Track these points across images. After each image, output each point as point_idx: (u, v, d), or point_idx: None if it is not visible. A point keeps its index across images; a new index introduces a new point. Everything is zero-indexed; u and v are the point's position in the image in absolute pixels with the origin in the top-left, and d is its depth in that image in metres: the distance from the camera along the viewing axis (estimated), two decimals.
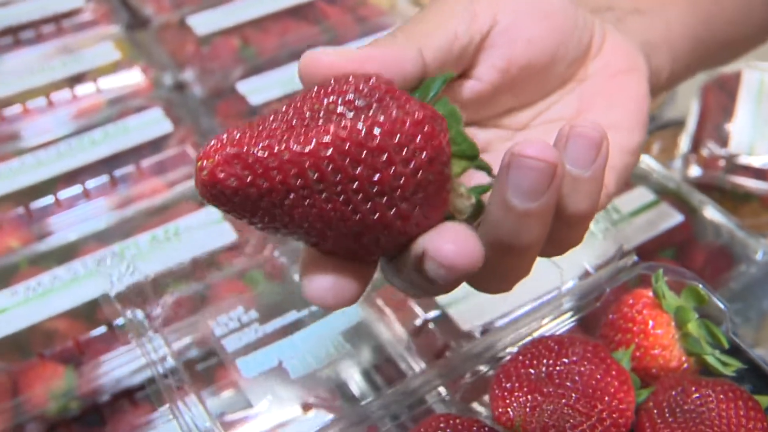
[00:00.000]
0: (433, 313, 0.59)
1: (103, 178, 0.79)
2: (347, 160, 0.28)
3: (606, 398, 0.39)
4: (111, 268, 0.56)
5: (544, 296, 0.55)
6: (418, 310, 0.61)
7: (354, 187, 0.28)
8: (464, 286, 0.36)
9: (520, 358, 0.41)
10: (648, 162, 0.78)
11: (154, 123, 0.84)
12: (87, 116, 0.88)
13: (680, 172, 0.97)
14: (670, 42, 0.47)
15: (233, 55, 0.94)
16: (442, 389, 0.49)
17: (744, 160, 0.97)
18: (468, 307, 0.58)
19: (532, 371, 0.40)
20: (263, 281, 0.67)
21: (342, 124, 0.28)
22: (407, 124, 0.28)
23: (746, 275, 0.68)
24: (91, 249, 0.71)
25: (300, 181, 0.28)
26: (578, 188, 0.33)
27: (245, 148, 0.28)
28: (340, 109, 0.29)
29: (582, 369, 0.40)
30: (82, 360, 0.63)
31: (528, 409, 0.39)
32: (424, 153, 0.28)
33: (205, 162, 0.28)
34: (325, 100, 0.29)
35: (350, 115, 0.29)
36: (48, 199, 0.77)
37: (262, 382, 0.54)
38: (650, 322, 0.44)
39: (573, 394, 0.39)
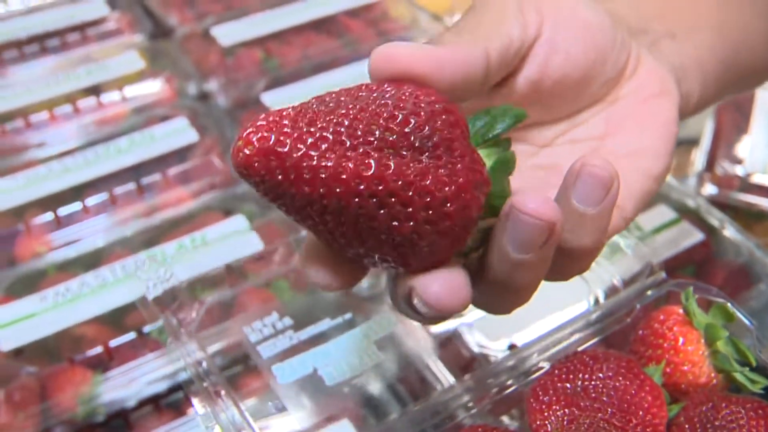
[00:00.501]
0: (460, 324, 0.60)
1: (130, 186, 0.80)
2: (374, 199, 0.28)
3: (640, 413, 0.40)
4: (148, 272, 0.57)
5: (571, 311, 0.56)
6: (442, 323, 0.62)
7: (372, 224, 0.29)
8: None
9: (556, 372, 0.42)
10: (667, 181, 0.78)
11: (179, 132, 0.85)
12: (112, 124, 0.89)
13: (694, 190, 0.98)
14: (700, 67, 0.47)
15: (257, 66, 0.95)
16: (470, 404, 0.50)
17: (758, 179, 0.98)
18: (495, 319, 0.59)
19: (568, 385, 0.41)
20: (289, 291, 0.68)
21: (388, 164, 0.28)
22: (446, 188, 0.29)
23: (765, 294, 0.69)
24: (118, 256, 0.72)
25: (325, 201, 0.29)
26: (584, 224, 0.33)
27: (286, 147, 0.28)
28: (393, 138, 0.29)
29: (617, 384, 0.41)
30: (110, 366, 0.64)
31: (565, 422, 0.40)
32: (449, 221, 0.29)
33: (245, 147, 0.28)
34: (383, 123, 0.29)
35: (401, 152, 0.29)
36: (75, 206, 0.78)
37: (298, 388, 0.55)
38: (681, 339, 0.45)
39: (609, 408, 0.40)
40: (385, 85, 0.30)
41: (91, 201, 0.79)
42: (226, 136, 0.86)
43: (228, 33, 1.00)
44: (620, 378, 0.41)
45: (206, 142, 0.84)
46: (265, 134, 0.28)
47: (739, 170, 0.99)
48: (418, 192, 0.28)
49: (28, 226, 0.76)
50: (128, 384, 0.64)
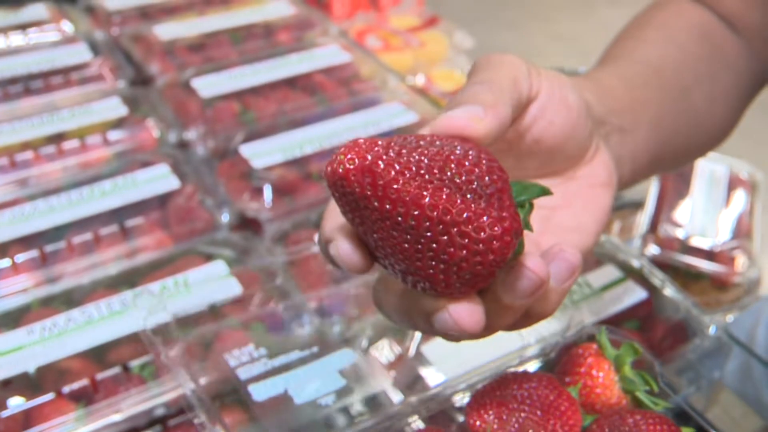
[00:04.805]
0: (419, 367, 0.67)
1: (113, 228, 0.84)
2: (441, 227, 0.35)
3: (558, 413, 0.49)
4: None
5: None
6: (408, 368, 0.68)
7: (432, 246, 0.35)
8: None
9: (492, 385, 0.51)
10: (614, 242, 0.86)
11: (161, 178, 0.89)
12: (94, 167, 0.94)
13: (638, 250, 1.05)
14: (634, 157, 0.55)
15: (234, 118, 1.01)
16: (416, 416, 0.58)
17: (696, 242, 1.06)
18: (450, 367, 0.66)
19: (499, 393, 0.50)
20: (264, 333, 0.72)
21: (455, 200, 0.35)
22: (496, 228, 0.35)
23: (700, 348, 0.76)
24: (101, 294, 0.76)
25: (400, 218, 0.35)
26: (550, 296, 0.41)
27: (380, 170, 0.34)
28: (460, 181, 0.35)
29: (540, 393, 0.49)
30: (94, 399, 0.67)
31: (497, 421, 0.48)
32: (492, 255, 0.35)
33: (346, 162, 0.35)
34: (454, 168, 0.35)
35: (466, 195, 0.35)
36: (59, 245, 0.82)
37: (271, 405, 0.62)
38: (594, 366, 0.53)
39: (533, 410, 0.48)
40: (454, 140, 0.37)
41: (75, 240, 0.82)
42: (205, 184, 0.90)
43: (207, 85, 1.05)
44: (542, 388, 0.49)
45: (187, 188, 0.89)
46: (364, 155, 0.35)
47: (679, 233, 1.07)
48: (475, 228, 0.35)
49: (13, 262, 0.80)
50: (109, 417, 0.67)
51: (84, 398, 0.68)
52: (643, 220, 1.10)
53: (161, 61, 1.12)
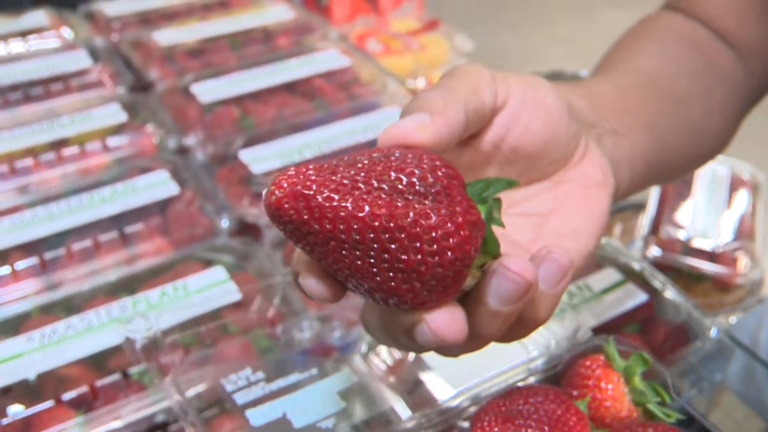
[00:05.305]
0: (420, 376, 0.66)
1: (113, 234, 0.84)
2: (387, 235, 0.33)
3: (566, 429, 0.47)
4: (135, 327, 0.63)
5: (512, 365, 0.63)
6: (409, 373, 0.67)
7: (384, 257, 0.34)
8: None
9: (497, 400, 0.49)
10: (615, 245, 0.85)
11: (161, 184, 0.89)
12: (94, 174, 0.94)
13: (640, 252, 1.05)
14: (632, 162, 0.54)
15: (234, 123, 1.00)
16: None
17: (698, 243, 1.06)
18: (450, 372, 0.66)
19: (504, 409, 0.48)
20: (265, 339, 0.72)
21: (396, 205, 0.33)
22: (448, 224, 0.33)
23: (701, 350, 0.75)
24: (101, 301, 0.76)
25: (344, 235, 0.33)
26: (541, 301, 0.39)
27: (312, 191, 0.33)
28: (401, 186, 0.34)
29: (546, 408, 0.48)
30: (94, 406, 0.67)
31: None
32: (451, 253, 0.34)
33: (277, 190, 0.33)
34: (393, 174, 0.34)
35: (408, 197, 0.34)
36: (59, 251, 0.82)
37: (270, 430, 0.60)
38: (602, 379, 0.52)
39: (539, 426, 0.47)
40: (394, 149, 0.36)
41: (75, 247, 0.82)
42: (204, 189, 0.90)
43: (207, 90, 1.05)
44: (549, 403, 0.48)
45: (186, 194, 0.89)
46: (294, 180, 0.34)
47: (681, 235, 1.07)
48: (424, 228, 0.33)
49: (13, 269, 0.80)
50: (109, 424, 0.67)
51: (84, 405, 0.68)
52: (644, 221, 1.09)
53: (161, 67, 1.12)
